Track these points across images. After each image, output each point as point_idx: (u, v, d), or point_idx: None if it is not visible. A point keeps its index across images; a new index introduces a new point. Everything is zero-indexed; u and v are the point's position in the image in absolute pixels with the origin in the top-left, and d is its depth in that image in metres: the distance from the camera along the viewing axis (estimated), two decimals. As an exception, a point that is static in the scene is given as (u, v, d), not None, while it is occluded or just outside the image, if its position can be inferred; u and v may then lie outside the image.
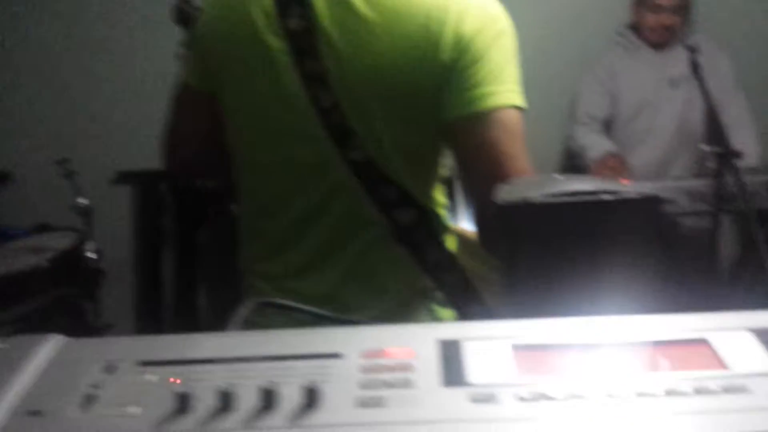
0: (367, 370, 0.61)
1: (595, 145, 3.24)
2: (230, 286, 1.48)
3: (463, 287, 1.32)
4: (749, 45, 3.54)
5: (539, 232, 0.81)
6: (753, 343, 0.64)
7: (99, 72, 3.48)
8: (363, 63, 1.23)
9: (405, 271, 1.32)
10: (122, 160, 3.39)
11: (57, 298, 2.54)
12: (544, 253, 0.81)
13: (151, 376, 0.61)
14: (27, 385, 0.61)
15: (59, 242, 2.65)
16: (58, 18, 3.48)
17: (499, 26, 1.24)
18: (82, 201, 2.70)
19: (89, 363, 0.64)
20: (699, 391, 0.57)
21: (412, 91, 1.23)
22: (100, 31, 3.47)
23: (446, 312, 1.35)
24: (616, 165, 3.11)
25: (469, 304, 1.31)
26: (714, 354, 0.62)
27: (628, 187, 0.83)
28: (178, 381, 0.60)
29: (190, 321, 3.25)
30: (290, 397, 0.58)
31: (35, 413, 0.58)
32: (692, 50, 2.64)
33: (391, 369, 0.61)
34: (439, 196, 1.36)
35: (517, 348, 0.63)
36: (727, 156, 2.53)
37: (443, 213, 1.37)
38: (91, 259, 2.65)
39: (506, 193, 0.85)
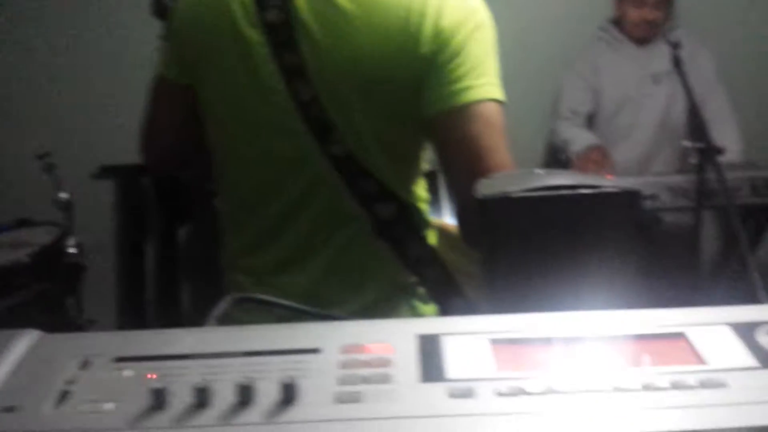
0: (345, 365, 0.61)
1: (577, 138, 3.25)
2: (213, 282, 1.48)
3: (445, 282, 1.32)
4: (731, 40, 3.55)
5: (519, 227, 0.81)
6: (731, 337, 0.64)
7: (79, 65, 3.45)
8: (342, 55, 1.22)
9: (386, 266, 1.31)
10: (104, 154, 3.37)
11: (38, 294, 2.53)
12: (524, 248, 0.81)
13: (127, 371, 0.61)
14: (1, 381, 0.60)
15: (40, 237, 2.63)
16: (38, 14, 3.45)
17: (478, 19, 1.24)
18: (63, 195, 2.68)
19: (65, 358, 0.63)
20: (676, 386, 0.57)
21: (392, 84, 1.23)
22: (81, 26, 3.44)
23: (428, 308, 1.35)
24: (599, 158, 3.12)
25: (450, 298, 1.31)
26: (692, 349, 0.62)
27: (608, 182, 0.84)
28: (154, 377, 0.60)
29: (172, 316, 3.24)
30: (267, 392, 0.57)
31: (9, 409, 0.57)
32: (674, 46, 2.65)
33: (369, 364, 0.61)
34: (421, 190, 1.36)
35: (495, 343, 0.63)
36: (708, 152, 2.54)
37: (424, 207, 1.36)
38: (72, 254, 2.64)
39: (486, 188, 0.85)
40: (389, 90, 1.23)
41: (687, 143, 2.69)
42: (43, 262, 2.54)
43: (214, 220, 1.45)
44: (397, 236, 1.30)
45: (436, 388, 0.58)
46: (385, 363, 0.61)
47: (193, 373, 0.60)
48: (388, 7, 1.21)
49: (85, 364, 0.62)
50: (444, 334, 0.65)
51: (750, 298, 2.10)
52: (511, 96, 1.27)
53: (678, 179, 2.90)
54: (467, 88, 1.21)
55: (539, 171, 0.89)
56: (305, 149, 1.26)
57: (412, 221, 1.31)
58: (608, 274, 0.82)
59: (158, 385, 0.57)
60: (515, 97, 1.28)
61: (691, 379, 0.58)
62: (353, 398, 0.57)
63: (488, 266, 0.83)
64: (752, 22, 3.65)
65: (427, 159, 1.36)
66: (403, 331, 0.66)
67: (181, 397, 0.57)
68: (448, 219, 1.45)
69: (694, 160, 2.65)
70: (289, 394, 0.57)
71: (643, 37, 3.29)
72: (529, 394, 0.57)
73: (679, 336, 0.64)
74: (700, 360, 0.61)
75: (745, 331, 0.64)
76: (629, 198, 0.82)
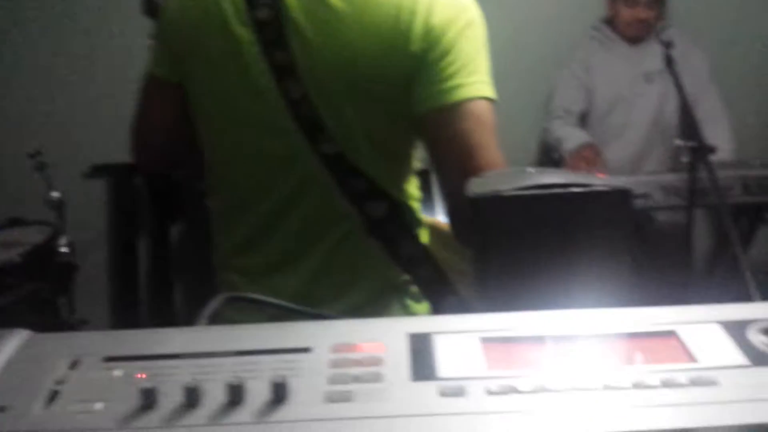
0: (336, 364, 0.61)
1: (570, 137, 3.25)
2: (206, 280, 1.47)
3: (438, 280, 1.32)
4: (723, 39, 3.56)
5: (510, 225, 0.81)
6: (722, 336, 0.64)
7: (71, 64, 3.44)
8: (332, 53, 1.22)
9: (378, 265, 1.31)
10: (96, 152, 3.36)
11: (30, 294, 2.52)
12: (516, 246, 0.81)
13: (117, 371, 0.61)
14: (-10, 381, 0.60)
15: (32, 237, 2.63)
16: (30, 11, 3.44)
17: (468, 16, 1.24)
18: (55, 194, 2.68)
19: (55, 358, 0.63)
20: (667, 384, 0.57)
21: (382, 83, 1.23)
22: (72, 24, 3.43)
23: (420, 306, 1.35)
24: (591, 155, 3.12)
25: (443, 296, 1.31)
26: (683, 347, 0.62)
27: (599, 180, 0.84)
28: (144, 376, 0.59)
29: (165, 316, 3.23)
30: (258, 392, 0.57)
31: (-1, 409, 0.57)
32: (666, 45, 2.65)
33: (360, 363, 0.61)
34: (413, 188, 1.36)
35: (486, 341, 0.63)
36: (700, 151, 2.55)
37: (416, 206, 1.36)
38: (64, 253, 2.63)
39: (478, 186, 0.85)
40: (380, 88, 1.23)
41: (679, 142, 2.69)
42: (35, 262, 2.54)
43: (207, 219, 1.45)
44: (389, 235, 1.29)
45: (427, 387, 0.58)
46: (376, 362, 0.61)
47: (183, 373, 0.60)
48: (378, 5, 1.21)
49: (74, 364, 0.62)
50: (435, 332, 0.65)
51: (742, 296, 2.10)
52: (504, 95, 1.27)
53: (670, 178, 2.90)
54: (458, 86, 1.21)
55: (531, 170, 0.89)
56: (295, 148, 1.26)
57: (403, 220, 1.31)
58: (600, 272, 0.82)
59: (148, 384, 0.57)
60: (508, 96, 1.28)
61: (682, 377, 0.58)
62: (344, 397, 0.57)
63: (480, 265, 0.83)
64: (744, 21, 3.66)
65: (419, 157, 1.36)
66: (395, 329, 0.66)
67: (171, 397, 0.57)
68: (440, 217, 1.45)
69: (686, 159, 2.65)
70: (279, 394, 0.57)
71: (635, 36, 3.30)
72: (519, 392, 0.57)
73: (670, 334, 0.64)
74: (691, 358, 0.61)
75: (736, 330, 0.64)
76: (620, 196, 0.82)
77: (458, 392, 0.57)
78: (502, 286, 0.82)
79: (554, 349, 0.63)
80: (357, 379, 0.59)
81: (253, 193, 1.33)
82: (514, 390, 0.57)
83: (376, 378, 0.59)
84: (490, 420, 0.54)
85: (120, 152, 1.58)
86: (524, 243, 0.81)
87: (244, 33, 1.24)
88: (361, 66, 1.22)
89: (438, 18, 1.21)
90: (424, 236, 1.35)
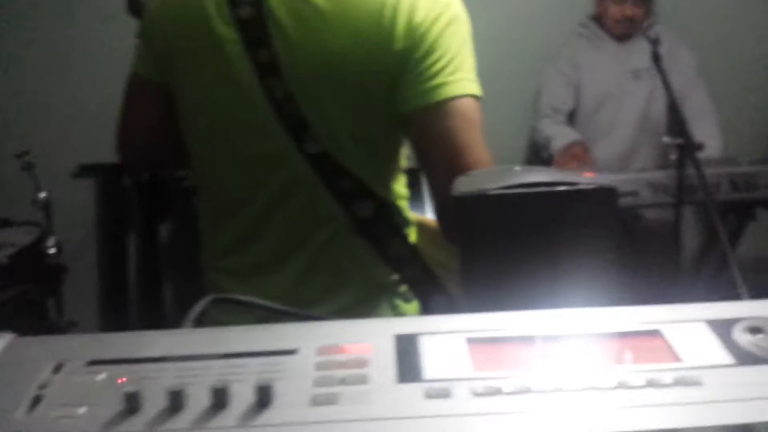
0: (322, 366, 0.61)
1: (559, 135, 3.26)
2: (195, 279, 1.47)
3: (426, 279, 1.31)
4: (711, 36, 3.57)
5: (496, 224, 0.81)
6: (707, 335, 0.64)
7: (58, 63, 3.43)
8: (315, 52, 1.21)
9: (366, 264, 1.31)
10: (83, 152, 3.35)
11: (18, 296, 2.51)
12: (502, 245, 0.81)
13: (101, 375, 0.60)
14: (-27, 385, 0.59)
15: (19, 238, 2.62)
16: (17, 12, 3.42)
17: (452, 13, 1.23)
18: (42, 195, 2.66)
19: (38, 362, 0.62)
20: (651, 384, 0.57)
21: (366, 81, 1.23)
22: (60, 25, 3.42)
23: (410, 306, 1.35)
24: (579, 153, 3.13)
25: (432, 295, 1.31)
26: (668, 346, 0.62)
27: (585, 179, 0.83)
28: (127, 380, 0.59)
29: (155, 316, 3.22)
30: (242, 395, 0.57)
31: (-20, 415, 0.56)
32: (654, 42, 2.66)
33: (346, 365, 0.61)
34: (400, 187, 1.36)
35: (471, 342, 0.63)
36: (688, 148, 2.56)
37: (404, 205, 1.36)
38: (53, 254, 2.62)
39: (464, 185, 0.84)
40: (363, 87, 1.23)
41: (667, 139, 2.70)
42: (23, 263, 2.53)
43: (195, 217, 1.44)
44: (377, 235, 1.29)
45: (413, 389, 0.58)
46: (361, 364, 0.61)
47: (167, 376, 0.59)
48: (361, 3, 1.20)
49: (58, 368, 0.61)
50: (421, 333, 0.65)
51: (730, 293, 2.11)
52: (492, 94, 1.27)
53: (658, 175, 2.91)
54: (443, 84, 1.21)
55: (517, 168, 0.89)
56: (281, 147, 1.25)
57: (391, 219, 1.31)
58: (586, 270, 0.82)
59: (132, 388, 0.56)
60: (496, 94, 1.28)
61: (667, 377, 0.58)
62: (329, 400, 0.57)
63: (466, 264, 0.83)
64: (732, 18, 3.67)
65: (407, 156, 1.36)
66: (381, 331, 0.65)
67: (154, 401, 0.56)
68: (429, 215, 1.45)
69: (674, 156, 2.66)
70: (264, 397, 0.56)
71: (623, 33, 3.31)
72: (505, 393, 0.57)
73: (655, 333, 0.64)
74: (675, 358, 0.61)
75: (722, 329, 0.64)
76: (606, 194, 0.82)
77: (444, 394, 0.57)
78: (487, 285, 0.81)
79: (539, 349, 0.63)
80: (343, 381, 0.59)
81: (239, 193, 1.32)
82: (499, 391, 0.57)
83: (362, 380, 0.59)
84: (476, 422, 0.54)
85: (108, 152, 1.58)
86: (510, 242, 0.81)
87: (226, 31, 1.24)
88: (345, 64, 1.21)
89: (421, 15, 1.21)
90: (412, 235, 1.35)
